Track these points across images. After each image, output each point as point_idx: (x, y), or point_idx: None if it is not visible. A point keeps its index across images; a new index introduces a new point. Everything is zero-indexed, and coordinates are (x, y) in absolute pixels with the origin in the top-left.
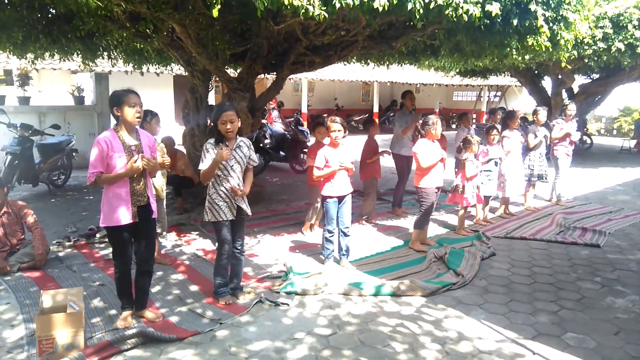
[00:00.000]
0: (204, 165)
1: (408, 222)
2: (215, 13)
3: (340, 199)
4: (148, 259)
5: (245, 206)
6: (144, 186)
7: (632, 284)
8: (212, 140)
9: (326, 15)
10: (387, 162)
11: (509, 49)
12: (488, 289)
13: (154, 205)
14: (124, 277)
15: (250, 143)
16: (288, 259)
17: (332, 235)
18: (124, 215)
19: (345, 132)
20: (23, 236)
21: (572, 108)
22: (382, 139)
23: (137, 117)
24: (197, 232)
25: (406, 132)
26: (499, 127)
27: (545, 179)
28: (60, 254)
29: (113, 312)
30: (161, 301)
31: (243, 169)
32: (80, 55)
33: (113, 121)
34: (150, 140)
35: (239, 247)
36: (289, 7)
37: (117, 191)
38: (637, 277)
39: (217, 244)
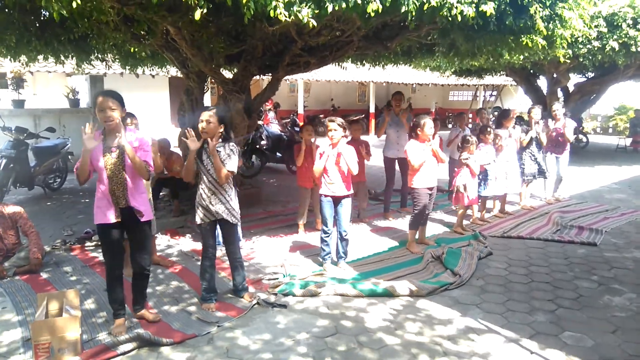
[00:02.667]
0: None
1: (404, 223)
2: (197, 16)
3: (337, 200)
4: (141, 261)
5: (223, 209)
6: (123, 189)
7: (629, 282)
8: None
9: (314, 23)
10: (380, 162)
11: (503, 49)
12: (485, 288)
13: (142, 209)
14: (114, 281)
15: (234, 149)
16: (285, 261)
17: (328, 236)
18: (108, 214)
19: (345, 132)
20: (18, 240)
21: (556, 108)
22: (380, 140)
23: (106, 121)
24: (193, 235)
25: (379, 133)
26: (491, 126)
27: (537, 176)
28: (56, 258)
29: (108, 313)
30: (157, 304)
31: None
32: (74, 58)
33: None
34: (137, 141)
35: (234, 249)
36: (277, 15)
37: (101, 189)
38: (634, 275)
39: (202, 248)
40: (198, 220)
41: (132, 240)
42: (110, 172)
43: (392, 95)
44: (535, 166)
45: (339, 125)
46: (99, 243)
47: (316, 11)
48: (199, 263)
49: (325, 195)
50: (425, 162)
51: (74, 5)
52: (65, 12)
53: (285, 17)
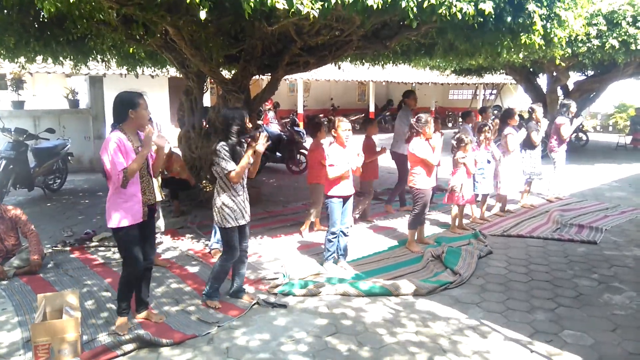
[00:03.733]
0: (232, 165)
1: (404, 222)
2: (202, 15)
3: (345, 200)
4: (151, 254)
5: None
6: (152, 185)
7: (629, 280)
8: (224, 144)
9: (315, 14)
10: (384, 161)
11: (502, 48)
12: (485, 287)
13: (155, 205)
14: (134, 279)
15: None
16: (285, 260)
17: (335, 237)
18: (140, 213)
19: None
20: (18, 241)
21: (574, 108)
22: (379, 138)
23: (146, 120)
24: (193, 235)
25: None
26: (490, 125)
27: (540, 177)
28: (56, 259)
29: (108, 314)
30: (157, 304)
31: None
32: (72, 59)
33: (108, 125)
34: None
35: (245, 250)
36: (277, 6)
37: (131, 190)
38: (633, 273)
39: (225, 250)
40: (232, 224)
41: (145, 236)
42: (142, 172)
43: (408, 94)
44: (540, 166)
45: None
46: (99, 244)
47: (317, 7)
48: (199, 263)
49: (337, 197)
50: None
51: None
52: (60, 5)
53: (284, 5)
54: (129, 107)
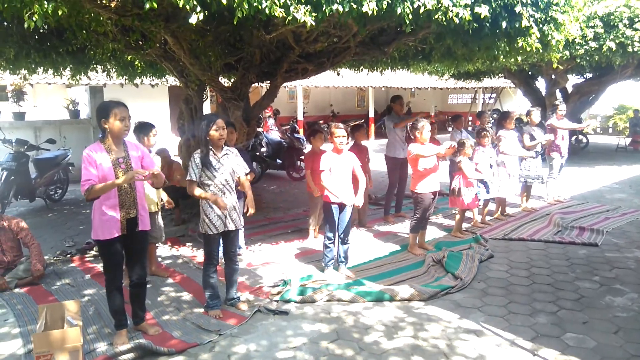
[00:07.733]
0: (192, 176)
1: (405, 227)
2: (193, 21)
3: (341, 207)
4: (140, 271)
5: (238, 217)
6: (133, 199)
7: (631, 282)
8: (198, 152)
9: (313, 23)
10: (382, 166)
11: (498, 52)
12: (487, 291)
13: (145, 218)
14: (116, 292)
15: (238, 152)
16: (286, 267)
17: (332, 242)
18: (113, 228)
19: (348, 138)
20: (19, 252)
21: (562, 108)
22: (379, 144)
23: (125, 130)
24: (194, 243)
25: (398, 125)
26: (489, 129)
27: (542, 180)
28: (58, 269)
29: (111, 324)
30: (159, 313)
31: (234, 178)
32: (72, 70)
33: None
34: (139, 150)
35: (234, 257)
36: (273, 12)
37: (106, 203)
38: (635, 275)
39: (204, 256)
40: (210, 231)
41: (133, 250)
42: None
43: (394, 99)
44: (541, 169)
45: (345, 131)
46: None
47: (313, 14)
48: (200, 271)
49: (332, 203)
50: (431, 166)
51: (60, 13)
52: (49, 21)
53: (282, 14)
54: (101, 116)
